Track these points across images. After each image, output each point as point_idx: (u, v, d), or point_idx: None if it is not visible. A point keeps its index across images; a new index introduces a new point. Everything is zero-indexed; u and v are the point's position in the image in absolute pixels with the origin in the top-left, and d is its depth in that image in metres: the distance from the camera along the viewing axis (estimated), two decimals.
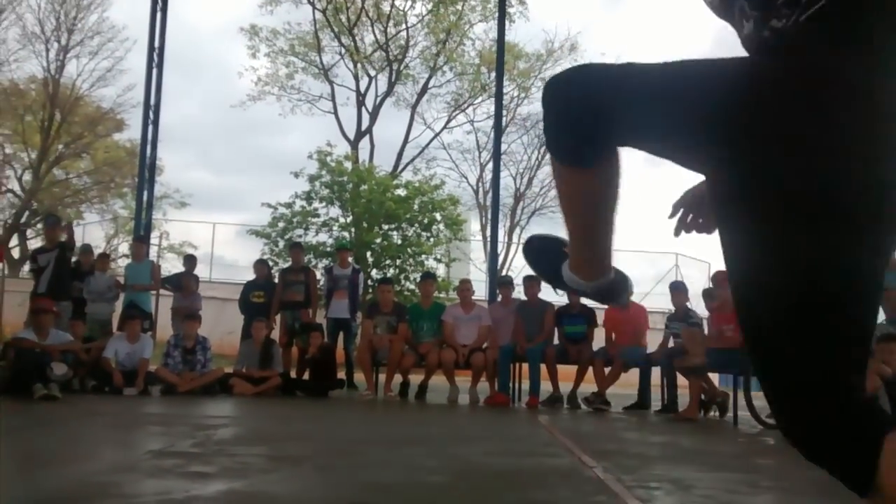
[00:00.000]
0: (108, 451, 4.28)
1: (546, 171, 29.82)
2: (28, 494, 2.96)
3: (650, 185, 46.18)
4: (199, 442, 4.65)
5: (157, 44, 13.24)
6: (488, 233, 19.83)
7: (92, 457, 4.01)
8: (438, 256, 20.22)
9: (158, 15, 13.15)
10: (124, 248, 28.91)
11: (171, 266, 25.61)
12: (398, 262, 18.89)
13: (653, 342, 9.41)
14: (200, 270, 11.98)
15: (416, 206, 19.43)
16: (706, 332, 8.00)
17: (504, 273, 25.48)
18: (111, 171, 29.64)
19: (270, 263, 17.17)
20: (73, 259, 9.78)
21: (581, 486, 3.56)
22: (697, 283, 26.84)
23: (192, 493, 3.08)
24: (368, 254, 18.78)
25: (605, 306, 9.26)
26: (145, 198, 13.09)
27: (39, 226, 28.19)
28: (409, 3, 26.72)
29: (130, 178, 28.28)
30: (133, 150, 27.56)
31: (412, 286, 18.51)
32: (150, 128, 13.28)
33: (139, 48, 18.04)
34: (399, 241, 19.14)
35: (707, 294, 8.64)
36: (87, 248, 11.25)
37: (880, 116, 1.18)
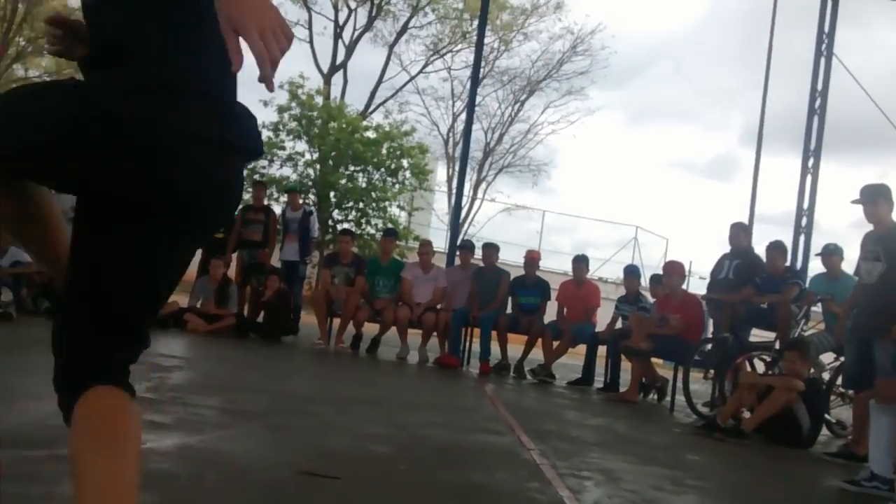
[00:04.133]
0: None
1: (517, 128, 29.86)
2: None
3: (620, 152, 46.48)
4: (154, 386, 4.75)
5: None
6: (454, 184, 19.89)
7: (48, 394, 4.03)
8: (402, 204, 20.27)
9: None
10: None
11: None
12: (360, 205, 18.89)
13: (606, 313, 9.67)
14: None
15: (384, 151, 19.38)
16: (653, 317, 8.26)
17: (465, 228, 25.72)
18: (73, 72, 28.80)
19: None
20: None
21: (518, 470, 3.76)
22: (655, 255, 27.49)
23: (148, 444, 3.20)
24: (332, 194, 18.74)
25: (560, 282, 9.50)
26: None
27: None
28: None
29: None
30: None
31: (372, 230, 18.57)
32: None
33: None
34: (364, 185, 19.11)
35: (655, 280, 8.90)
36: None
37: None
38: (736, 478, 4.69)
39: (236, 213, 10.62)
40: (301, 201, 11.45)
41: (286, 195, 10.67)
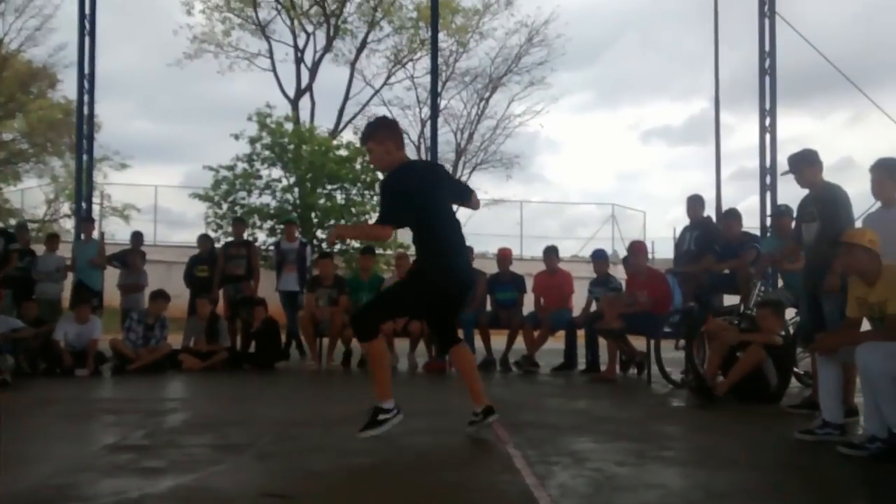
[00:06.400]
0: (64, 447, 4.61)
1: (486, 125, 30.13)
2: None
3: (595, 130, 46.69)
4: (150, 432, 5.05)
5: (87, 10, 13.11)
6: None
7: (48, 455, 4.33)
8: None
9: None
10: (65, 208, 28.68)
11: (114, 228, 25.52)
12: (342, 221, 19.13)
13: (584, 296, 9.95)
14: (144, 228, 12.08)
15: (357, 166, 19.64)
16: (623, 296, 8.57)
17: None
18: (47, 130, 29.12)
19: (215, 227, 17.39)
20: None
21: (492, 464, 4.06)
22: (635, 230, 27.82)
23: (145, 490, 3.50)
24: (313, 214, 19.01)
25: (534, 272, 9.80)
26: (84, 165, 13.20)
27: None
28: None
29: (67, 136, 27.83)
30: (68, 108, 27.06)
31: (357, 244, 18.82)
32: (86, 97, 13.29)
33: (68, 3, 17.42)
34: (342, 202, 19.38)
35: (626, 261, 9.23)
36: (23, 226, 11.38)
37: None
38: (699, 442, 4.98)
39: (219, 249, 10.96)
40: (297, 232, 11.69)
41: (283, 226, 10.93)
